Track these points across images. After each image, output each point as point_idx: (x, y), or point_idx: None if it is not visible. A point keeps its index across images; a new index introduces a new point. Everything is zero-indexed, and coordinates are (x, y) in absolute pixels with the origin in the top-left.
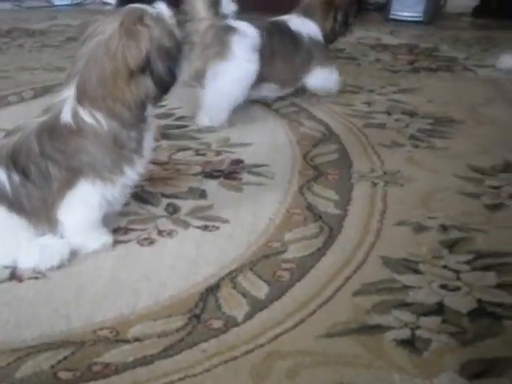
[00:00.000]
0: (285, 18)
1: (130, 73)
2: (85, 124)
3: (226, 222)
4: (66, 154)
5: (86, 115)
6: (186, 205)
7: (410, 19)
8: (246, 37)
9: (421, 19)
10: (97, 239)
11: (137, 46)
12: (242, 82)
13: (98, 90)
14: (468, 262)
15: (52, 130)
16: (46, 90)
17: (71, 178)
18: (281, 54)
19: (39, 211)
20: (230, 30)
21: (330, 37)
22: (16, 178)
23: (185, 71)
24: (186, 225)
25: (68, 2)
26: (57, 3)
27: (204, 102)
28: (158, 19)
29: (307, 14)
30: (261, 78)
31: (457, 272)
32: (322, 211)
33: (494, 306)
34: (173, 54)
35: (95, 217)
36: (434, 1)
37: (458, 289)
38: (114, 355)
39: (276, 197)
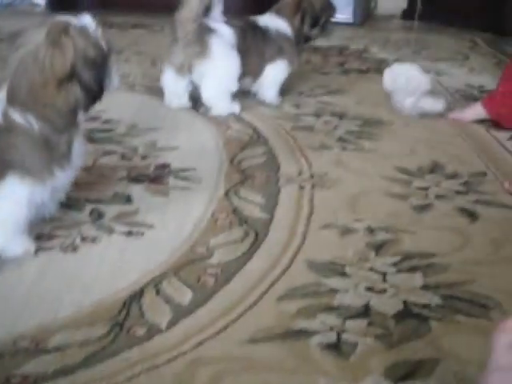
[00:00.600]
0: (258, 17)
1: (58, 81)
2: (16, 124)
3: (151, 227)
4: None
5: (17, 116)
6: (110, 210)
7: (340, 21)
8: (223, 36)
9: (351, 21)
10: (19, 244)
11: (62, 56)
12: (229, 74)
13: (28, 96)
14: (394, 264)
15: None
16: None
17: (1, 170)
18: (253, 49)
19: None
20: (209, 30)
21: (299, 37)
22: None
23: (114, 80)
24: (111, 231)
25: None
26: None
27: (204, 98)
28: (83, 30)
29: (279, 13)
30: (241, 73)
31: (383, 274)
32: (247, 215)
33: (419, 307)
34: (98, 64)
35: (22, 218)
36: (364, 3)
37: (384, 291)
38: (33, 366)
39: (202, 201)
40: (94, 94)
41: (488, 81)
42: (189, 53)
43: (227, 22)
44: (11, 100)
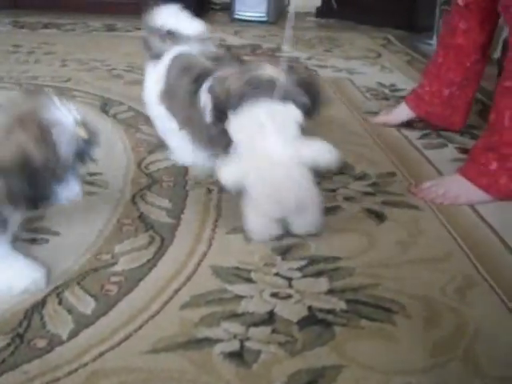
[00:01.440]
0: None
1: None
2: None
3: (56, 234)
4: None
5: None
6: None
7: (254, 19)
8: (157, 63)
9: (265, 19)
10: None
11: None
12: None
13: None
14: (300, 269)
15: None
16: None
17: None
18: (180, 99)
19: None
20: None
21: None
22: None
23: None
24: (14, 238)
25: None
26: None
27: None
28: (48, 130)
29: None
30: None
31: (289, 279)
32: (154, 220)
33: (324, 313)
34: (36, 174)
35: None
36: (277, 1)
37: (289, 297)
38: None
39: (107, 207)
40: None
41: (399, 79)
42: None
43: (181, 51)
44: None
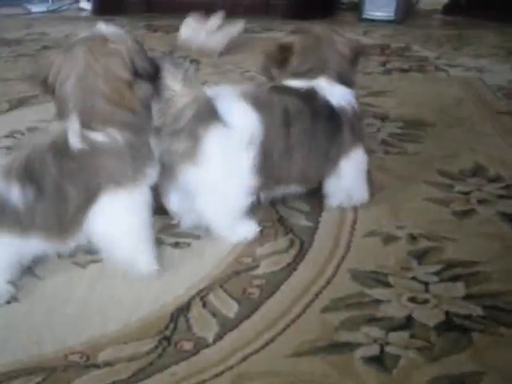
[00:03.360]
0: (311, 83)
1: (128, 84)
2: (98, 144)
3: (197, 238)
4: (82, 175)
5: (98, 135)
6: (155, 221)
7: (382, 19)
8: (230, 127)
9: (393, 18)
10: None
11: (121, 60)
12: (227, 195)
13: (106, 109)
14: (437, 273)
15: (64, 152)
16: (22, 102)
17: (91, 195)
18: (305, 145)
19: (53, 227)
20: (211, 113)
21: None
22: (30, 193)
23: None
24: (159, 242)
25: (44, 9)
26: (33, 10)
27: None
28: (118, 36)
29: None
30: (272, 181)
31: (425, 284)
32: (293, 223)
33: (461, 319)
34: (143, 54)
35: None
36: (405, 0)
37: (426, 301)
38: (84, 381)
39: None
40: (153, 77)
41: None
42: (172, 150)
43: (246, 95)
44: (87, 122)
